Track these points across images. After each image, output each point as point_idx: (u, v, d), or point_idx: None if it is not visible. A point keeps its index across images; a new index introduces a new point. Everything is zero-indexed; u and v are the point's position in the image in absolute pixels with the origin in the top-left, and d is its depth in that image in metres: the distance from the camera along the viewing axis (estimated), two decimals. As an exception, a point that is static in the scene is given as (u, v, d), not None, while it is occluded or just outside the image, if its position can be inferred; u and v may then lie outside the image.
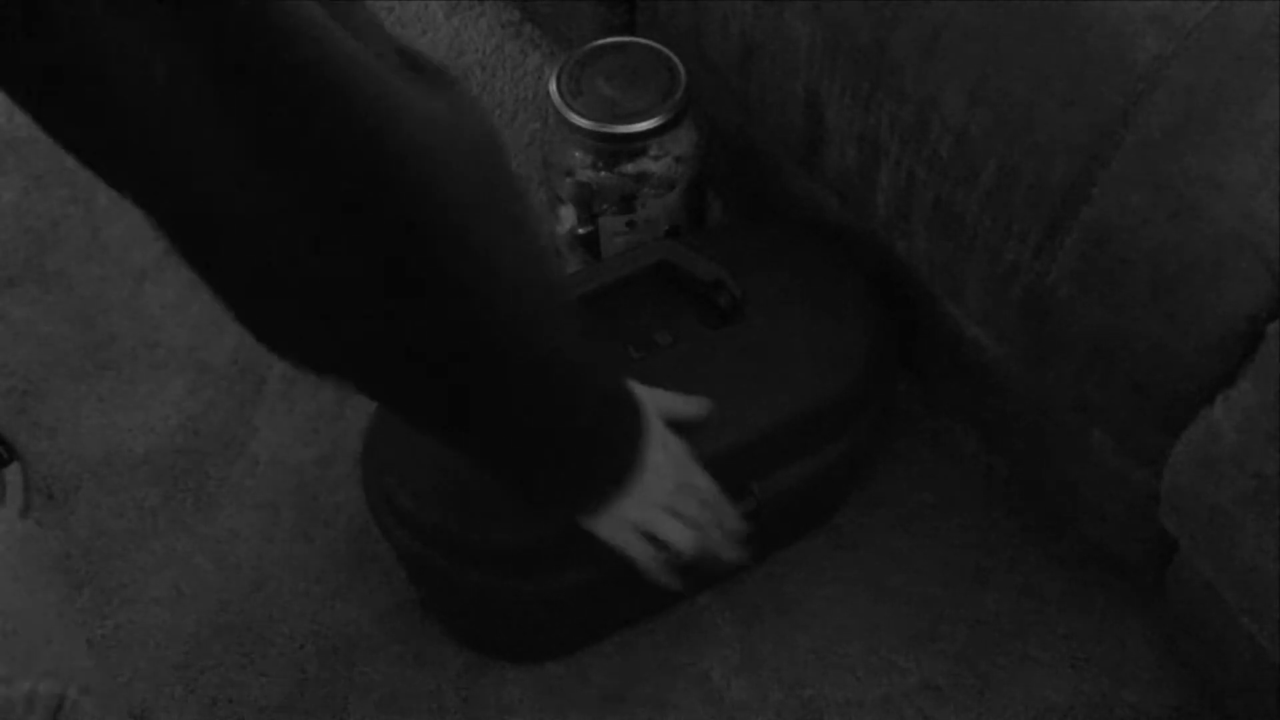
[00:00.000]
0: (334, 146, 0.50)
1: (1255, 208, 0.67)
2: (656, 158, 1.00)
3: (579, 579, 0.88)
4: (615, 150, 0.99)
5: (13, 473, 1.05)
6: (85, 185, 1.24)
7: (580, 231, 1.04)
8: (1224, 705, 0.92)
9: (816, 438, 0.92)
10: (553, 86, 1.00)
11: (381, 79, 0.51)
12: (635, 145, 0.99)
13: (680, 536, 0.82)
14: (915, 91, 0.80)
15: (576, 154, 1.00)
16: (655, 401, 0.81)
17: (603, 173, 1.00)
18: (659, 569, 0.83)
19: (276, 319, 0.56)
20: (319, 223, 0.51)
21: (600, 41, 1.02)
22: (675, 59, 1.00)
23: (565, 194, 1.03)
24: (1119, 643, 0.96)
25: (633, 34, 1.05)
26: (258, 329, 0.56)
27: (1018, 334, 0.85)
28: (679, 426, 0.82)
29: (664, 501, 0.80)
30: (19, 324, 1.16)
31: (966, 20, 0.76)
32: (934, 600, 0.99)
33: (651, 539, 0.81)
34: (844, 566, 1.01)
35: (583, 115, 0.98)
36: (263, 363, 1.12)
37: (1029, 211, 0.76)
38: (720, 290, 0.93)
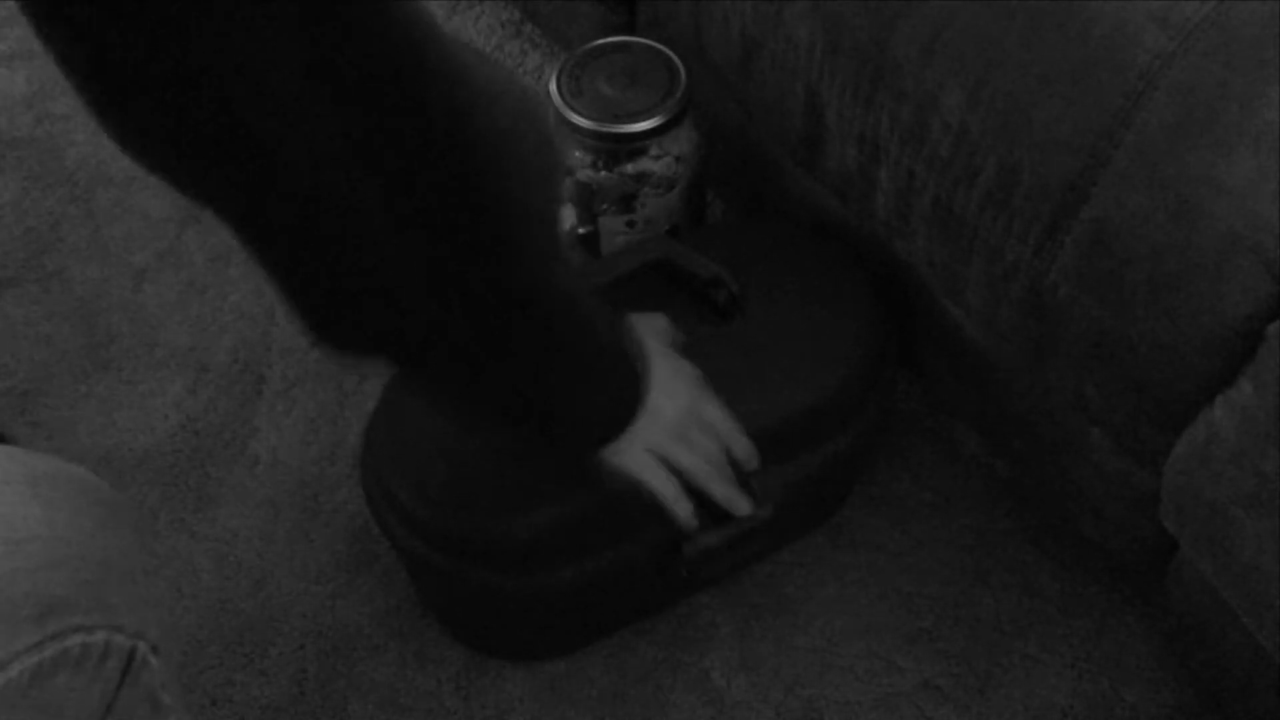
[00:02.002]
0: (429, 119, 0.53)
1: (1255, 208, 0.67)
2: (656, 157, 1.00)
3: (578, 576, 0.88)
4: (615, 150, 0.99)
5: (13, 472, 1.05)
6: (85, 185, 1.24)
7: (580, 231, 1.04)
8: (1224, 705, 0.92)
9: (815, 435, 0.92)
10: (553, 86, 1.00)
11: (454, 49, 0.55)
12: (635, 145, 0.99)
13: (692, 462, 0.83)
14: (915, 91, 0.80)
15: (576, 154, 1.00)
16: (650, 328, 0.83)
17: (603, 172, 1.00)
18: (675, 497, 0.84)
19: (344, 294, 0.59)
20: (404, 194, 0.54)
21: (600, 41, 1.02)
22: (675, 59, 1.00)
23: (565, 194, 1.03)
24: (1119, 643, 0.96)
25: (633, 34, 1.05)
26: (322, 314, 0.59)
27: (1018, 334, 0.85)
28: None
29: (676, 426, 0.82)
30: (19, 324, 1.16)
31: (966, 20, 0.76)
32: (934, 600, 0.99)
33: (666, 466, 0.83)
34: (844, 566, 1.01)
35: (583, 115, 0.98)
36: (262, 362, 1.12)
37: (1029, 211, 0.76)
38: (719, 287, 0.93)
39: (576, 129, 0.98)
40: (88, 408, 1.10)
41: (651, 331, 0.83)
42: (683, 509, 0.84)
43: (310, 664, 0.97)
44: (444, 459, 0.88)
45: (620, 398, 0.78)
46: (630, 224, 1.03)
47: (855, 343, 0.92)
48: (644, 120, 0.98)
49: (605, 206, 1.02)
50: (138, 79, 0.48)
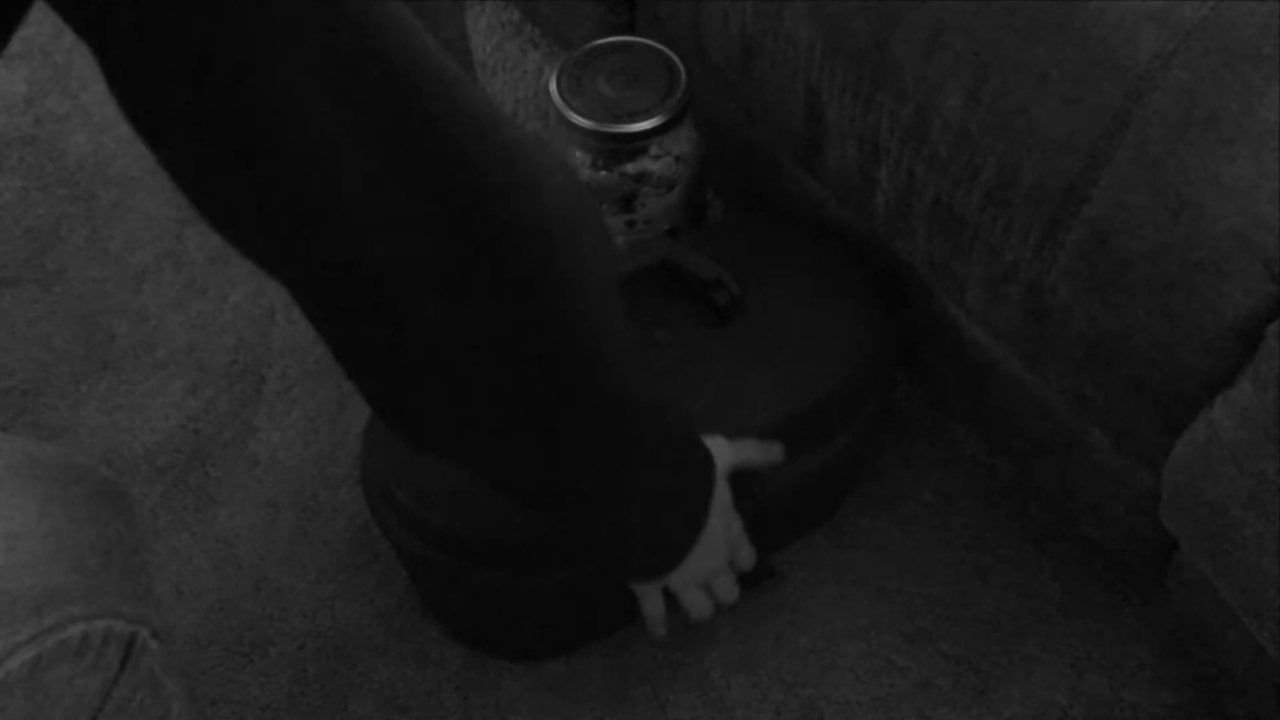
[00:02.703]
0: (487, 198, 0.53)
1: (1255, 208, 0.67)
2: (656, 157, 1.00)
3: (578, 575, 0.88)
4: (615, 150, 0.99)
5: (13, 472, 1.05)
6: (85, 185, 1.24)
7: (580, 231, 1.04)
8: (1224, 705, 0.92)
9: (816, 434, 0.92)
10: (553, 86, 1.00)
11: (517, 133, 0.54)
12: (635, 145, 0.99)
13: (702, 610, 0.84)
14: (915, 91, 0.80)
15: (576, 153, 1.00)
16: (729, 452, 0.81)
17: (603, 172, 1.00)
18: (659, 621, 0.85)
19: (412, 393, 0.59)
20: (468, 272, 0.54)
21: (600, 41, 1.02)
22: (675, 59, 1.00)
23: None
24: (1119, 643, 0.96)
25: (633, 34, 1.05)
26: (398, 410, 0.61)
27: (1018, 334, 0.85)
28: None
29: (705, 575, 0.82)
30: (19, 324, 1.16)
31: (966, 20, 0.76)
32: (934, 600, 0.99)
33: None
34: (844, 566, 1.01)
35: (583, 115, 0.98)
36: (262, 362, 1.12)
37: (1029, 211, 0.76)
38: (719, 288, 0.93)
39: (576, 129, 0.98)
40: (88, 408, 1.10)
41: (720, 458, 0.80)
42: (659, 629, 0.85)
43: (310, 664, 0.97)
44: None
45: (677, 531, 0.77)
46: (630, 224, 1.03)
47: (856, 342, 0.92)
48: (644, 120, 0.98)
49: (605, 206, 1.02)
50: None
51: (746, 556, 0.85)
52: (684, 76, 0.99)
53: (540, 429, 0.62)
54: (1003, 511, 1.03)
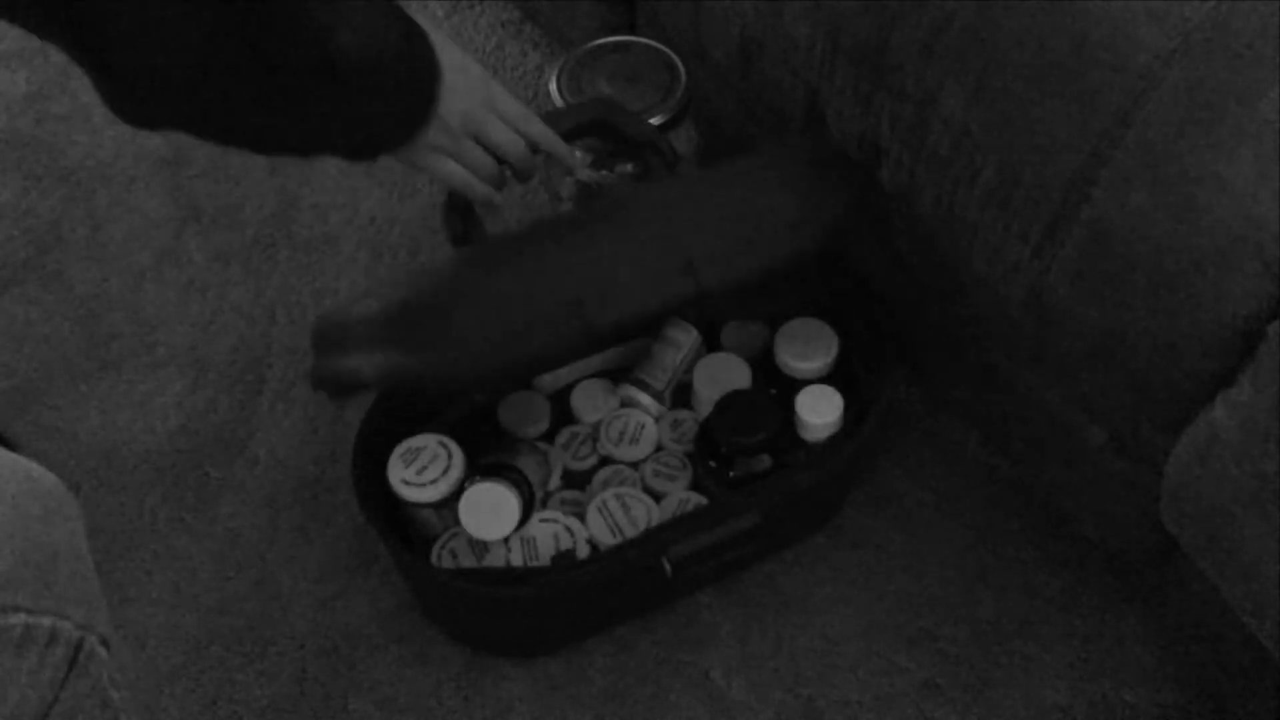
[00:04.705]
0: None
1: (1256, 208, 0.67)
2: (657, 157, 1.00)
3: (569, 579, 0.88)
4: (615, 149, 0.99)
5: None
6: (85, 185, 1.24)
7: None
8: (1224, 705, 0.92)
9: (763, 294, 0.91)
10: (553, 86, 1.00)
11: None
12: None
13: (482, 163, 0.85)
14: (915, 91, 0.80)
15: (577, 153, 1.00)
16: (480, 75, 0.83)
17: (603, 172, 1.00)
18: (467, 180, 0.85)
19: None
20: None
21: (600, 41, 1.02)
22: (675, 58, 1.00)
23: (565, 193, 1.03)
24: (1119, 643, 0.96)
25: (633, 33, 1.05)
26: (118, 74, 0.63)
27: (1018, 334, 0.85)
28: None
29: (468, 124, 0.82)
30: (19, 324, 1.16)
31: (966, 20, 0.76)
32: (934, 600, 0.99)
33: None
34: (844, 566, 1.01)
35: (583, 115, 0.98)
36: (262, 363, 1.12)
37: (1029, 211, 0.76)
38: (654, 150, 0.92)
39: (577, 129, 0.98)
40: (88, 408, 1.10)
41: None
42: (479, 188, 0.85)
43: (310, 664, 0.97)
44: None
45: (411, 99, 0.77)
46: (630, 224, 1.03)
47: (812, 207, 0.88)
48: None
49: (605, 206, 1.02)
50: None
51: (525, 120, 0.86)
52: (684, 76, 0.99)
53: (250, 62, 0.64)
54: (1003, 511, 1.03)
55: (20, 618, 0.55)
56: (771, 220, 0.86)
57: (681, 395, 1.01)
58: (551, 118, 0.91)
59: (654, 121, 0.97)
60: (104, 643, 0.59)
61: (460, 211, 0.90)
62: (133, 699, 0.62)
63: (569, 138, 0.91)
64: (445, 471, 0.89)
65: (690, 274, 0.84)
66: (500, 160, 0.86)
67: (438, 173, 0.84)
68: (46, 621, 0.56)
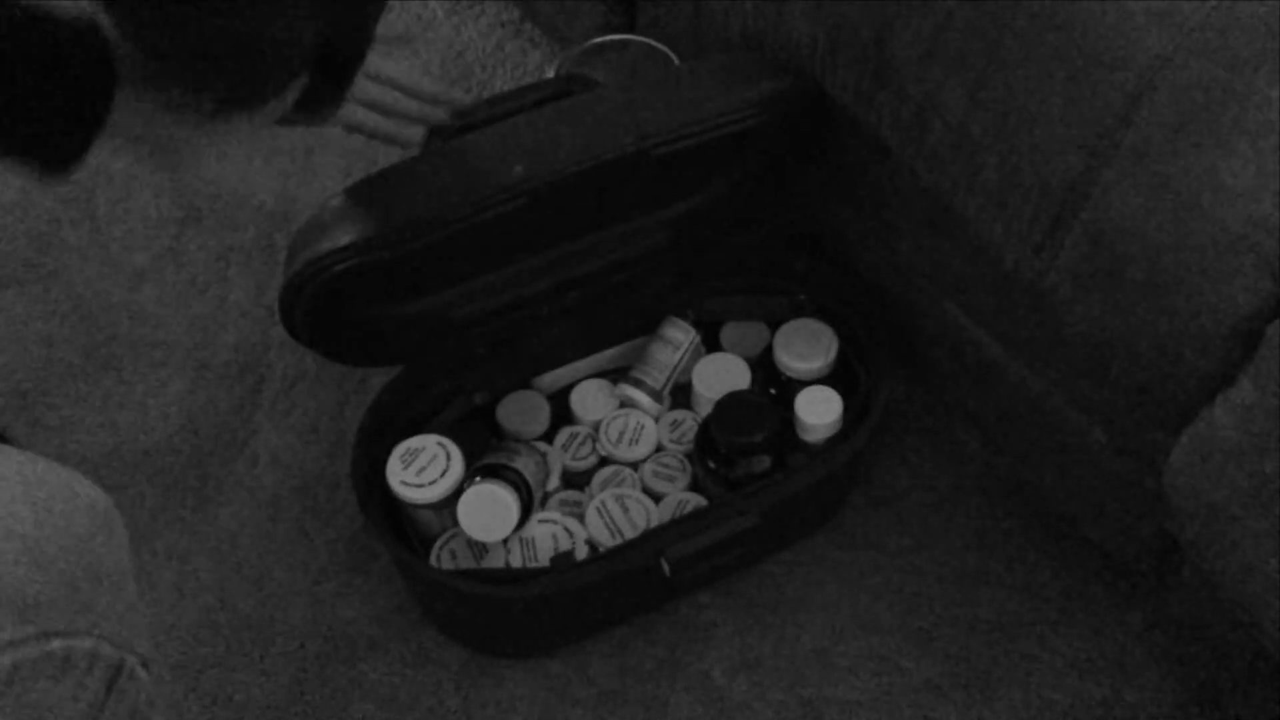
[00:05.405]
0: None
1: (1255, 208, 0.67)
2: (656, 157, 1.00)
3: (567, 580, 0.88)
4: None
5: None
6: (85, 185, 1.24)
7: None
8: (1224, 705, 0.92)
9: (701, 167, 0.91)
10: (552, 86, 1.00)
11: None
12: (635, 145, 0.98)
13: (389, 98, 0.85)
14: (915, 91, 0.80)
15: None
16: None
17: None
18: (390, 131, 0.86)
19: None
20: None
21: (600, 39, 1.02)
22: (675, 58, 1.00)
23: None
24: (1119, 643, 0.96)
25: (633, 32, 1.05)
26: None
27: (1018, 334, 0.85)
28: None
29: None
30: (19, 324, 1.16)
31: (966, 20, 0.76)
32: (934, 600, 0.99)
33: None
34: (844, 566, 1.01)
35: (582, 115, 0.97)
36: (263, 362, 1.12)
37: (1029, 211, 0.76)
38: (585, 84, 0.92)
39: (576, 129, 0.98)
40: (88, 408, 1.10)
41: None
42: (397, 131, 0.86)
43: (310, 664, 0.97)
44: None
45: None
46: (630, 224, 1.02)
47: (749, 80, 0.89)
48: (644, 120, 0.97)
49: (605, 206, 1.02)
50: None
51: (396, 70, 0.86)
52: (684, 76, 0.99)
53: None
54: (1003, 511, 1.03)
55: (60, 643, 0.54)
56: (709, 84, 0.89)
57: (681, 395, 1.01)
58: (517, 94, 0.91)
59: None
60: (144, 664, 0.58)
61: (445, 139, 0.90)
62: None
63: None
64: (444, 472, 0.89)
65: (631, 132, 0.85)
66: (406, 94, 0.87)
67: (349, 120, 0.84)
68: (87, 644, 0.55)
